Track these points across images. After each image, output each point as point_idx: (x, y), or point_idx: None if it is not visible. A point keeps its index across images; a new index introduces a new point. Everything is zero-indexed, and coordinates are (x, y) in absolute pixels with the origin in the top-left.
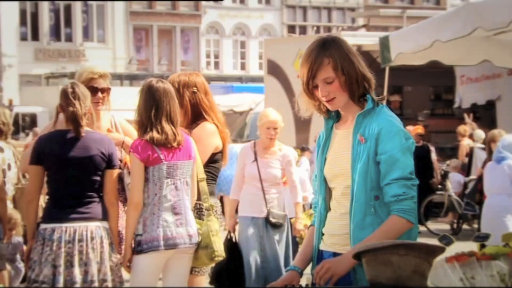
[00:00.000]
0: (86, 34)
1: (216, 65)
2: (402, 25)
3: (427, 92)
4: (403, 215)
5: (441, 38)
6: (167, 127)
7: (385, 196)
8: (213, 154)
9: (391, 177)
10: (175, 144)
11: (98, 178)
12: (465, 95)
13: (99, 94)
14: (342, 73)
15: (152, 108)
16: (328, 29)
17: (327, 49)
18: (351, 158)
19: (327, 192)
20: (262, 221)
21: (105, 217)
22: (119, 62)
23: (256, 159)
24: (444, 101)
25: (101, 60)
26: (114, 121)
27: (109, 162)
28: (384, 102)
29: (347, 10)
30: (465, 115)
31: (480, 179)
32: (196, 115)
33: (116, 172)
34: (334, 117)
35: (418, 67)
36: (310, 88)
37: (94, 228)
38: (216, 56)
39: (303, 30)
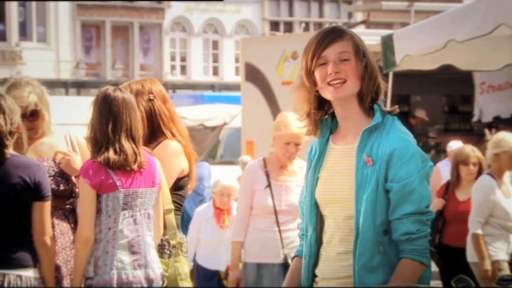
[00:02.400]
0: (23, 32)
1: (183, 69)
2: (409, 21)
3: (440, 102)
4: (416, 258)
5: (456, 37)
6: (127, 145)
7: (394, 232)
8: (178, 179)
9: (403, 211)
10: (135, 167)
11: (22, 213)
12: (486, 106)
13: (26, 122)
14: (362, 57)
15: (108, 122)
16: (319, 25)
17: (344, 29)
18: (355, 183)
19: (318, 221)
20: (278, 269)
21: (36, 263)
22: (63, 66)
23: (269, 184)
24: (461, 113)
25: (41, 64)
26: (70, 137)
27: (36, 193)
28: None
29: (343, 3)
30: (486, 131)
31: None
32: (154, 128)
33: (47, 204)
34: (328, 126)
35: (428, 73)
36: (312, 70)
37: (16, 279)
38: (183, 59)
39: (289, 27)
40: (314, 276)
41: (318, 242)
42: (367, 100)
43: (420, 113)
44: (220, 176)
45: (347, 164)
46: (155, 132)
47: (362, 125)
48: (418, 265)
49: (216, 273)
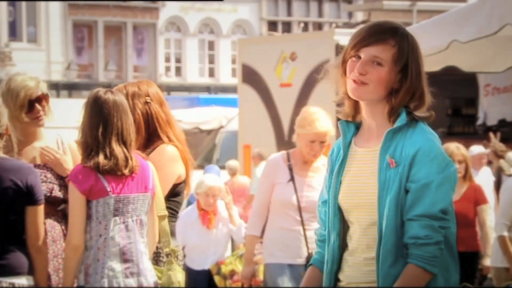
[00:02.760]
0: (13, 32)
1: (178, 71)
2: (411, 21)
3: (443, 105)
4: (420, 264)
5: (460, 38)
6: (117, 149)
7: (405, 234)
8: (175, 186)
9: (414, 212)
10: (126, 172)
11: (12, 218)
12: (491, 109)
13: (37, 107)
14: (401, 68)
15: (99, 126)
16: (319, 25)
17: (399, 32)
18: (377, 185)
19: (342, 226)
20: (302, 271)
21: (30, 269)
22: (54, 67)
23: (292, 178)
24: (464, 116)
25: (32, 65)
26: (62, 142)
27: (29, 197)
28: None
29: (343, 2)
30: (491, 135)
31: None
32: (150, 132)
33: (40, 209)
34: (351, 129)
35: (431, 74)
36: (347, 59)
37: (9, 286)
38: (178, 60)
39: (287, 27)
40: (337, 281)
41: (342, 247)
42: (398, 111)
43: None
44: (204, 176)
45: (371, 167)
46: (151, 136)
47: (386, 127)
48: (423, 272)
49: (203, 272)
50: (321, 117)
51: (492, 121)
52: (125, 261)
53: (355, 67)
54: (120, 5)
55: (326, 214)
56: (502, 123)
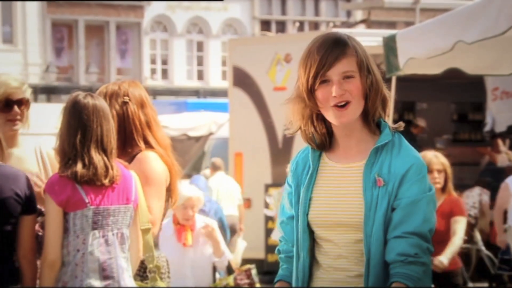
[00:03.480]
0: None
1: (164, 73)
2: (414, 20)
3: (448, 110)
4: (410, 284)
5: (465, 38)
6: (97, 157)
7: (390, 253)
8: None
9: (405, 229)
10: (106, 182)
11: (10, 228)
12: (499, 114)
13: (15, 109)
14: (367, 73)
15: (77, 132)
16: (315, 25)
17: (348, 41)
18: (364, 204)
19: (311, 243)
20: None
21: (18, 282)
22: (32, 69)
23: None
24: (471, 122)
25: (7, 67)
26: (41, 151)
27: (27, 206)
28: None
29: (341, 0)
30: (499, 142)
31: None
32: (126, 135)
33: (34, 218)
34: (318, 143)
35: (435, 77)
36: (313, 87)
37: None
38: (164, 62)
39: (282, 26)
40: None
41: (311, 266)
42: (374, 117)
43: (422, 122)
44: (181, 186)
45: (353, 184)
46: (128, 140)
47: (367, 143)
48: None
49: None
50: None
51: (501, 127)
52: (105, 278)
53: (329, 92)
54: (102, 3)
55: (294, 230)
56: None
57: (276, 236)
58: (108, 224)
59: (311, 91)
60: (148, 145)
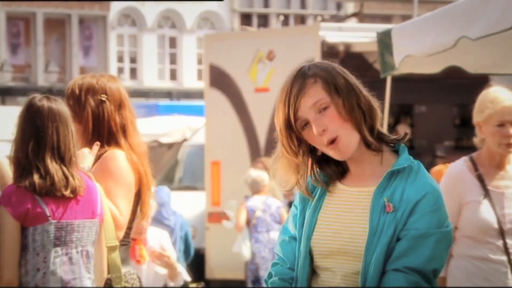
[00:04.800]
0: None
1: (133, 73)
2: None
3: (449, 114)
4: None
5: (469, 34)
6: (53, 167)
7: (384, 286)
8: None
9: (406, 263)
10: (67, 193)
11: None
12: None
13: None
14: (337, 93)
15: (30, 139)
16: (301, 19)
17: (309, 71)
18: (368, 230)
19: (311, 271)
20: None
21: None
22: None
23: (487, 192)
24: (474, 127)
25: None
26: None
27: None
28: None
29: None
30: None
31: None
32: (99, 137)
33: None
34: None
35: (435, 77)
36: (291, 137)
37: None
38: (133, 60)
39: (264, 20)
40: None
41: None
42: (365, 134)
43: (403, 129)
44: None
45: (362, 210)
46: (101, 142)
47: (380, 166)
48: None
49: None
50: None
51: None
52: None
53: (313, 135)
54: None
55: (295, 252)
56: None
57: (238, 248)
58: (72, 241)
59: (289, 143)
60: (119, 147)
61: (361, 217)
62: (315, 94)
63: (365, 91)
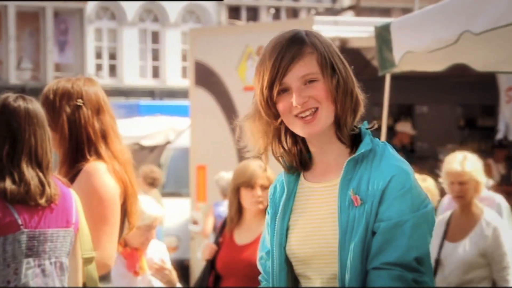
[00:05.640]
0: None
1: (112, 70)
2: (411, 6)
3: (453, 114)
4: None
5: (472, 28)
6: (29, 173)
7: (368, 285)
8: None
9: (384, 259)
10: (42, 202)
11: None
12: None
13: None
14: (331, 72)
15: (5, 143)
16: (294, 12)
17: (307, 37)
18: (338, 229)
19: (290, 281)
20: None
21: None
22: None
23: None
24: (481, 129)
25: None
26: None
27: None
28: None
29: None
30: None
31: None
32: (78, 146)
33: None
34: (291, 165)
35: (437, 75)
36: (272, 98)
37: None
38: (112, 56)
39: (253, 14)
40: None
41: None
42: (346, 123)
43: (403, 126)
44: (143, 203)
45: (330, 206)
46: (78, 150)
47: (346, 156)
48: None
49: None
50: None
51: None
52: None
53: (289, 103)
54: None
55: (271, 267)
56: None
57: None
58: (45, 251)
59: (269, 104)
60: (100, 158)
61: (330, 215)
62: (309, 65)
63: (354, 82)
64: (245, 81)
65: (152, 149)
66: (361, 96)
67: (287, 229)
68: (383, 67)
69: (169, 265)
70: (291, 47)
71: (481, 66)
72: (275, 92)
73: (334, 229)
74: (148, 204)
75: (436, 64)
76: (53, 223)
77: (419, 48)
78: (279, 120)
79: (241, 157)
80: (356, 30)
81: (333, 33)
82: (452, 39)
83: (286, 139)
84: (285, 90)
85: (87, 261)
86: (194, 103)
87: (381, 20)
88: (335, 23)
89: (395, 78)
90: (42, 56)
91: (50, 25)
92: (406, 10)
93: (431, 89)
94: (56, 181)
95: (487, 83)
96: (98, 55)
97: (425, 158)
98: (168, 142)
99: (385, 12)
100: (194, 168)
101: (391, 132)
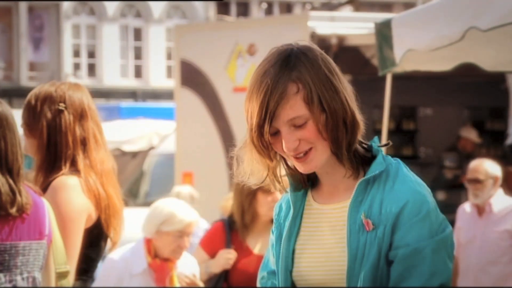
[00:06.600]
0: None
1: (91, 69)
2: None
3: (459, 117)
4: None
5: (478, 24)
6: (0, 180)
7: None
8: (85, 232)
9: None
10: (13, 211)
11: None
12: None
13: None
14: (320, 108)
15: None
16: (287, 7)
17: (294, 67)
18: (347, 255)
19: None
20: None
21: None
22: None
23: None
24: (489, 133)
25: None
26: None
27: None
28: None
29: None
30: None
31: None
32: (57, 154)
33: None
34: (298, 182)
35: (443, 75)
36: (265, 137)
37: None
38: (91, 54)
39: (244, 9)
40: None
41: None
42: (342, 155)
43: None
44: (171, 204)
45: (340, 230)
46: (57, 159)
47: (354, 175)
48: None
49: None
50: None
51: None
52: None
53: (281, 143)
54: None
55: None
56: None
57: None
58: (17, 266)
59: (263, 144)
60: (74, 170)
61: (341, 240)
62: (294, 107)
63: (351, 99)
64: (234, 82)
65: (134, 155)
66: (358, 116)
67: (293, 252)
68: (383, 66)
69: (200, 282)
70: (277, 87)
71: (490, 65)
72: (266, 137)
73: (344, 256)
74: (180, 207)
75: (442, 64)
76: (25, 234)
77: (421, 46)
78: (273, 162)
79: (231, 164)
80: (355, 27)
81: (330, 30)
82: (457, 37)
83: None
84: (277, 133)
85: (61, 275)
86: (180, 105)
87: (381, 16)
88: (332, 19)
89: (397, 78)
90: (15, 54)
91: (24, 21)
92: (408, 5)
93: (436, 90)
94: (28, 190)
95: (496, 83)
96: (76, 53)
97: (429, 165)
98: (151, 148)
99: (386, 7)
100: (180, 175)
101: (392, 136)
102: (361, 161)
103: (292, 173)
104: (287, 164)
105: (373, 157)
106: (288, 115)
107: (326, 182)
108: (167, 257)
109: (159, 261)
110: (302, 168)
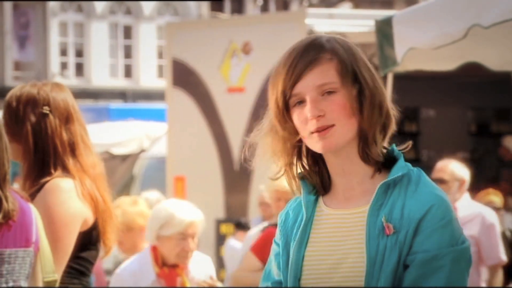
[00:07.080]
0: None
1: (79, 69)
2: None
3: (464, 119)
4: None
5: (482, 21)
6: None
7: None
8: (80, 235)
9: None
10: (0, 218)
11: None
12: None
13: None
14: (353, 82)
15: None
16: (284, 4)
17: (325, 43)
18: (365, 259)
19: None
20: None
21: None
22: None
23: None
24: (494, 135)
25: None
26: None
27: None
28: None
29: None
30: None
31: None
32: (44, 159)
33: None
34: (313, 186)
35: (446, 75)
36: (288, 110)
37: None
38: (79, 53)
39: (238, 6)
40: None
41: None
42: (376, 139)
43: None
44: (169, 206)
45: (357, 235)
46: (44, 164)
47: (374, 180)
48: None
49: None
50: None
51: None
52: None
53: (304, 115)
54: None
55: None
56: None
57: None
58: (2, 274)
59: (284, 117)
60: (64, 171)
61: (358, 245)
62: (326, 73)
63: (382, 92)
64: (229, 82)
65: (124, 158)
66: (393, 112)
67: (303, 259)
68: (384, 65)
69: (217, 282)
70: (307, 53)
71: (496, 65)
72: (289, 102)
73: (361, 261)
74: (179, 207)
75: (446, 63)
76: (11, 242)
77: (423, 44)
78: (297, 137)
79: (225, 167)
80: (354, 24)
81: (328, 28)
82: (459, 34)
83: (307, 158)
84: (300, 102)
85: (48, 284)
86: (172, 107)
87: (382, 13)
88: (331, 16)
89: (398, 77)
90: (0, 53)
91: (9, 18)
92: (410, 2)
93: (439, 90)
94: (14, 195)
95: (501, 83)
96: (63, 52)
97: (431, 168)
98: (142, 150)
99: (387, 4)
100: (172, 179)
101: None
102: (377, 163)
103: (307, 175)
104: (303, 166)
105: (390, 162)
106: (318, 79)
107: (341, 186)
108: (174, 263)
109: (167, 269)
110: (319, 145)
